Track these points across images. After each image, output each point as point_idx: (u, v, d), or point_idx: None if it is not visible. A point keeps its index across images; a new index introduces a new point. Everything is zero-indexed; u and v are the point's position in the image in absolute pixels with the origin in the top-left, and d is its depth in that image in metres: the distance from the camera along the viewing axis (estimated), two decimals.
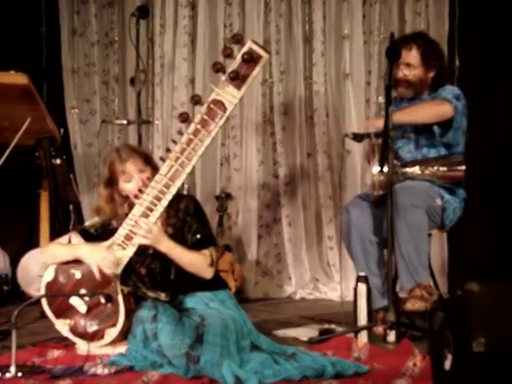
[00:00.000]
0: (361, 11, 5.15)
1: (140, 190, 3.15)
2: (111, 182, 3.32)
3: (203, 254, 3.25)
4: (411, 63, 3.92)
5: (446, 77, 4.08)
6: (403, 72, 3.93)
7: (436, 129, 3.87)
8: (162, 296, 3.26)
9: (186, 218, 3.29)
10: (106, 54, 5.54)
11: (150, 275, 3.30)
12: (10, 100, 4.20)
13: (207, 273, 3.25)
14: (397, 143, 3.90)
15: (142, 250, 3.28)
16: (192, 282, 3.26)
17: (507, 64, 4.81)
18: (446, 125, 3.84)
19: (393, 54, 3.58)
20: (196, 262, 3.24)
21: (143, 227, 3.14)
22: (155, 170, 3.26)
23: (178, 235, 3.27)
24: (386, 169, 3.55)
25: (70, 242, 3.34)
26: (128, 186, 3.28)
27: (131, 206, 3.23)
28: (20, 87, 4.16)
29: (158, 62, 5.44)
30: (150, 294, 3.27)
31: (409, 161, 3.90)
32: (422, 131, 3.90)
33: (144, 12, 4.77)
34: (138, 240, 3.16)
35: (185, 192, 4.81)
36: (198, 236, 3.27)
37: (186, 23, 5.35)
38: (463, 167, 3.85)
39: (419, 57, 3.92)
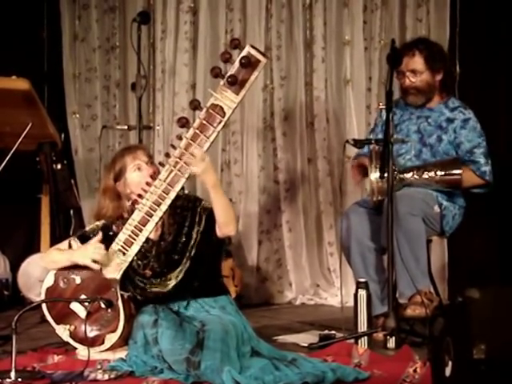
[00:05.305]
0: (362, 17, 5.15)
1: (139, 195, 3.15)
2: (119, 175, 3.30)
3: None
4: (417, 69, 3.89)
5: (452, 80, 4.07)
6: (410, 79, 3.91)
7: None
8: (171, 283, 3.25)
9: (186, 212, 3.28)
10: (107, 59, 5.54)
11: (154, 276, 3.29)
12: (12, 105, 4.20)
13: (234, 226, 3.20)
14: (398, 150, 3.90)
15: (144, 253, 3.28)
16: (193, 287, 3.27)
17: (508, 71, 4.81)
18: None
19: (394, 60, 3.58)
20: (230, 208, 3.21)
21: (196, 155, 3.05)
22: (157, 167, 3.28)
23: (181, 232, 3.27)
24: (385, 175, 3.55)
25: (70, 247, 3.34)
26: (137, 175, 3.26)
27: (131, 211, 3.23)
28: (21, 92, 4.16)
29: (159, 67, 5.44)
30: (157, 288, 3.26)
31: (407, 167, 3.89)
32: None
33: (145, 17, 4.78)
34: (190, 168, 3.07)
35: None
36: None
37: (188, 29, 5.35)
38: (460, 171, 3.85)
39: (423, 61, 3.89)
